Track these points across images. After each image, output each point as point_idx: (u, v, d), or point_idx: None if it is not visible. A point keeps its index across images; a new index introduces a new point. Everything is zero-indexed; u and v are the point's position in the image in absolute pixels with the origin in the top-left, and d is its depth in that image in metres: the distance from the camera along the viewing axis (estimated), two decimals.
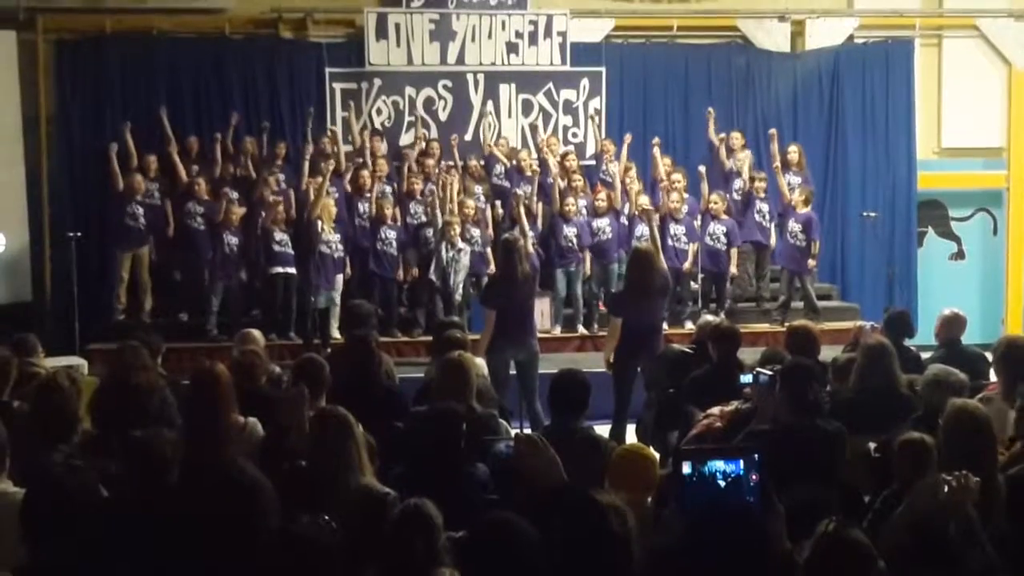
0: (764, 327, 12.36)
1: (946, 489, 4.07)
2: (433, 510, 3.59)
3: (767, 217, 12.96)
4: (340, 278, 11.96)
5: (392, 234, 12.26)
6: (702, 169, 13.10)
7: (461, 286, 11.88)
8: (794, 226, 12.57)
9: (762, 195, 12.96)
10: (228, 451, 5.09)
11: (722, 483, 3.52)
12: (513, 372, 8.98)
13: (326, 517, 3.10)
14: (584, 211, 12.68)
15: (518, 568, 3.27)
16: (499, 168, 13.55)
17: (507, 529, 3.30)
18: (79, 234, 12.47)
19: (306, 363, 6.05)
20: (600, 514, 3.34)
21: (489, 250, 12.24)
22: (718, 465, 3.53)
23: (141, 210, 12.42)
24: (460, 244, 11.77)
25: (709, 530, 3.49)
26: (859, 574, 3.38)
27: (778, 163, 12.97)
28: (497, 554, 3.30)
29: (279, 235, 11.96)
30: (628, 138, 13.50)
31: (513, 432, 5.84)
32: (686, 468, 3.52)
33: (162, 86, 13.83)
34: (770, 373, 5.63)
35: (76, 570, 3.49)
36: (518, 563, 3.27)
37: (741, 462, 3.55)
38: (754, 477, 3.55)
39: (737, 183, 13.38)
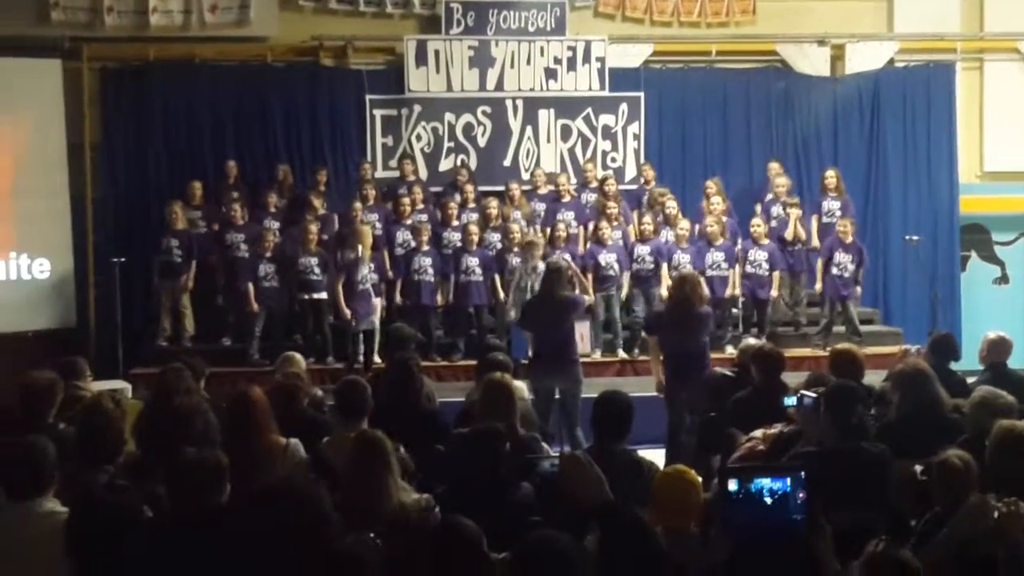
0: (805, 351, 12.26)
1: (996, 515, 4.02)
2: (470, 525, 3.57)
3: (799, 245, 12.87)
4: (379, 302, 11.99)
5: (428, 260, 12.29)
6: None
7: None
8: (843, 257, 12.46)
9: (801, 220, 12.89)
10: (264, 472, 5.14)
11: (768, 500, 3.48)
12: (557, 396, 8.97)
13: (371, 535, 3.09)
14: (621, 238, 12.62)
15: None
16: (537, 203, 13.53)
17: (552, 547, 3.27)
18: (123, 260, 12.61)
19: (348, 385, 6.06)
20: (646, 532, 3.31)
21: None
22: (765, 483, 3.50)
23: (175, 242, 12.51)
24: (541, 265, 11.67)
25: (755, 548, 3.45)
26: None
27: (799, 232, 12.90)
28: (542, 572, 3.28)
29: (307, 261, 12.01)
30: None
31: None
32: (732, 485, 3.49)
33: (205, 114, 14.05)
34: (814, 395, 5.58)
35: None
36: None
37: (788, 480, 3.51)
38: (801, 495, 3.52)
39: (774, 209, 13.30)
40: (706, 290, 9.26)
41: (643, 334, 10.55)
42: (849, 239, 12.56)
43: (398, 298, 12.39)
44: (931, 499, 4.86)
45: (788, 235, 12.79)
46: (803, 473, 3.54)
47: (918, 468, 5.51)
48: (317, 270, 12.02)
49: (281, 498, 3.52)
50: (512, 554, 3.45)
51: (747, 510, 3.48)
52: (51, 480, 4.42)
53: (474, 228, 12.43)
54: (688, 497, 4.54)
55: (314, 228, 12.21)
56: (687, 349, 8.71)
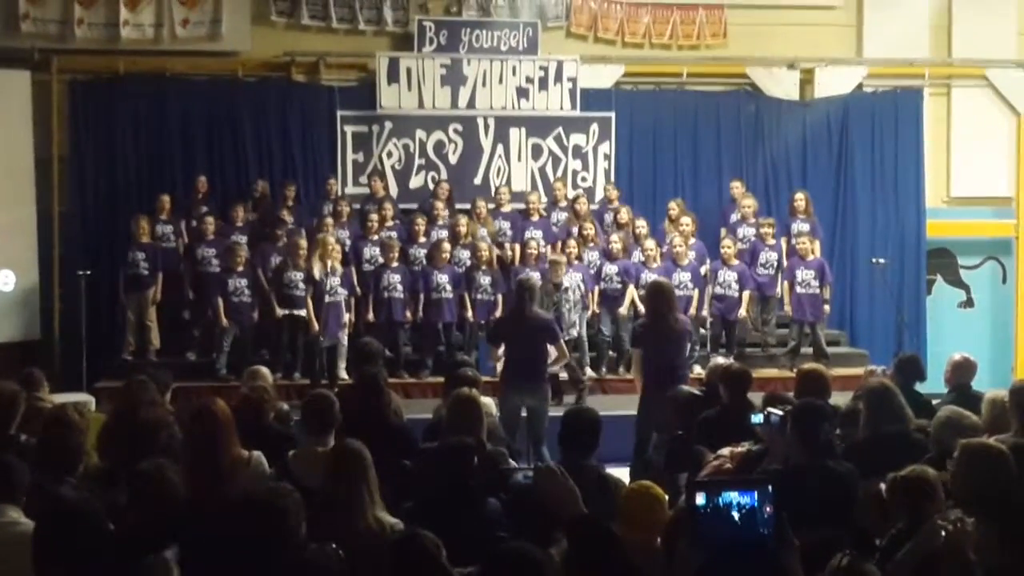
0: (772, 372, 12.32)
1: (943, 534, 4.04)
2: (429, 537, 3.55)
3: (772, 267, 12.94)
4: (346, 319, 11.95)
5: (397, 277, 12.27)
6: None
7: (577, 323, 11.77)
8: (805, 274, 12.56)
9: (771, 242, 12.97)
10: (227, 484, 5.10)
11: (736, 515, 3.47)
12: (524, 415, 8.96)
13: (333, 545, 3.07)
14: (596, 257, 12.65)
15: None
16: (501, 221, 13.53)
17: (524, 557, 3.27)
18: (88, 272, 12.53)
19: (316, 399, 6.03)
20: (617, 546, 3.30)
21: (500, 296, 12.26)
22: (733, 496, 3.48)
23: (142, 255, 12.45)
24: (565, 283, 11.68)
25: (723, 562, 3.44)
26: None
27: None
28: None
29: (292, 276, 11.96)
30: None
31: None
32: (700, 499, 3.47)
33: (175, 128, 13.98)
34: (781, 413, 5.59)
35: None
36: None
37: (755, 493, 3.50)
38: (768, 509, 3.50)
39: (741, 231, 13.37)
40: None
41: (630, 346, 10.46)
42: (810, 256, 12.66)
43: (370, 315, 12.32)
44: (894, 517, 4.88)
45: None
46: (770, 487, 3.53)
47: (883, 487, 5.54)
48: (302, 285, 11.94)
49: (248, 508, 3.50)
50: (483, 564, 3.43)
51: (715, 524, 3.47)
52: (21, 490, 4.38)
53: (446, 245, 12.42)
54: (653, 512, 4.55)
55: (302, 242, 12.13)
56: (671, 362, 8.65)
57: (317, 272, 11.65)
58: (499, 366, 9.36)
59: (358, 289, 12.33)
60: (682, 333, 8.87)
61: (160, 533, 4.01)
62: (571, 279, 12.07)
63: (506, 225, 13.41)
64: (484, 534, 4.54)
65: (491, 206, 13.61)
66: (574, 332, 11.67)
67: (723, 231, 13.53)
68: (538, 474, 3.94)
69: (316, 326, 11.61)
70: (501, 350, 9.38)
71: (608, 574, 3.33)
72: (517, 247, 13.07)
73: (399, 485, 5.29)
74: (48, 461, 5.05)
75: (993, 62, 15.06)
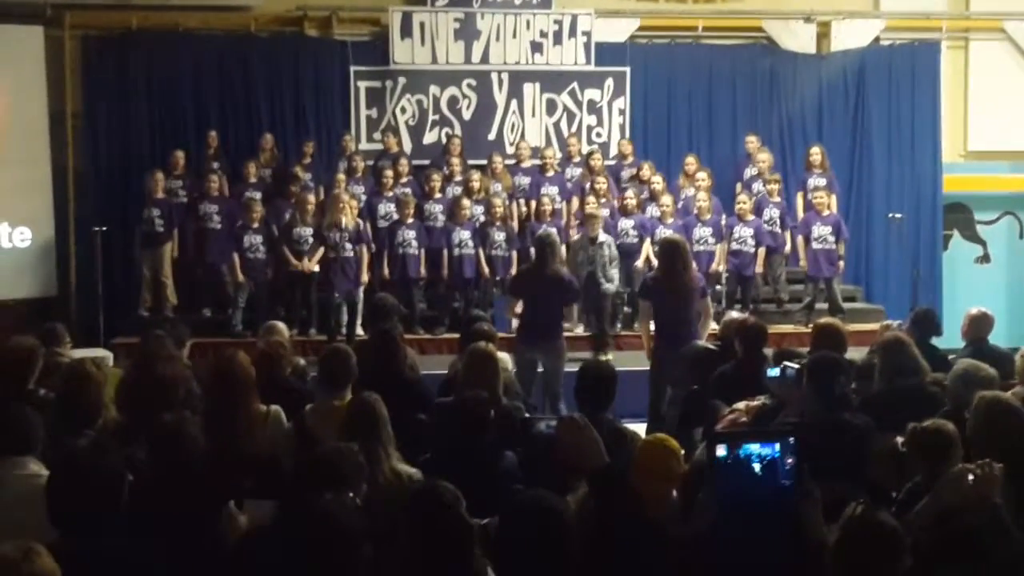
0: (787, 328, 12.28)
1: (970, 479, 4.03)
2: (448, 487, 3.57)
3: (777, 223, 12.85)
4: (362, 276, 11.97)
5: (412, 234, 12.26)
6: None
7: (616, 277, 11.74)
8: (821, 230, 12.50)
9: (776, 199, 12.90)
10: (246, 438, 5.14)
11: (757, 466, 3.47)
12: (540, 370, 8.96)
13: (351, 495, 3.08)
14: (608, 214, 12.60)
15: (553, 543, 3.25)
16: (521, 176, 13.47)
17: (542, 506, 3.28)
18: (104, 229, 12.54)
19: (333, 353, 6.04)
20: (637, 496, 3.31)
21: (514, 253, 12.27)
22: (753, 448, 3.48)
23: (156, 211, 12.44)
24: (602, 237, 11.64)
25: (743, 513, 3.44)
26: (888, 556, 3.34)
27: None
28: (532, 529, 3.28)
29: (302, 232, 11.95)
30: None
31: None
32: (721, 451, 3.47)
33: (188, 83, 13.95)
34: (797, 367, 5.59)
35: (101, 549, 3.48)
36: (553, 538, 3.25)
37: (777, 445, 3.50)
38: (790, 461, 3.50)
39: (756, 186, 13.31)
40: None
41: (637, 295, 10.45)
42: (827, 211, 12.60)
43: (385, 271, 12.32)
44: (911, 471, 4.88)
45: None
46: (792, 439, 3.53)
47: (899, 440, 5.54)
48: (311, 241, 11.94)
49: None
50: (501, 513, 3.44)
51: (735, 476, 3.47)
52: (36, 441, 4.41)
53: (465, 202, 12.37)
54: (669, 464, 4.56)
55: (311, 198, 12.12)
56: (681, 316, 8.58)
57: (332, 228, 11.63)
58: (515, 322, 9.36)
59: (373, 245, 12.33)
60: (694, 290, 8.85)
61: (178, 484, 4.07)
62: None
63: (526, 181, 13.35)
64: (499, 488, 4.57)
65: (511, 162, 13.55)
66: (612, 287, 11.66)
67: (739, 186, 13.46)
68: (561, 424, 3.95)
69: (310, 266, 11.64)
70: (519, 307, 9.39)
71: (627, 524, 3.34)
72: (533, 203, 13.02)
73: (414, 439, 5.31)
74: (67, 415, 5.08)
75: (1011, 15, 14.88)
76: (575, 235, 12.26)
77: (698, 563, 3.56)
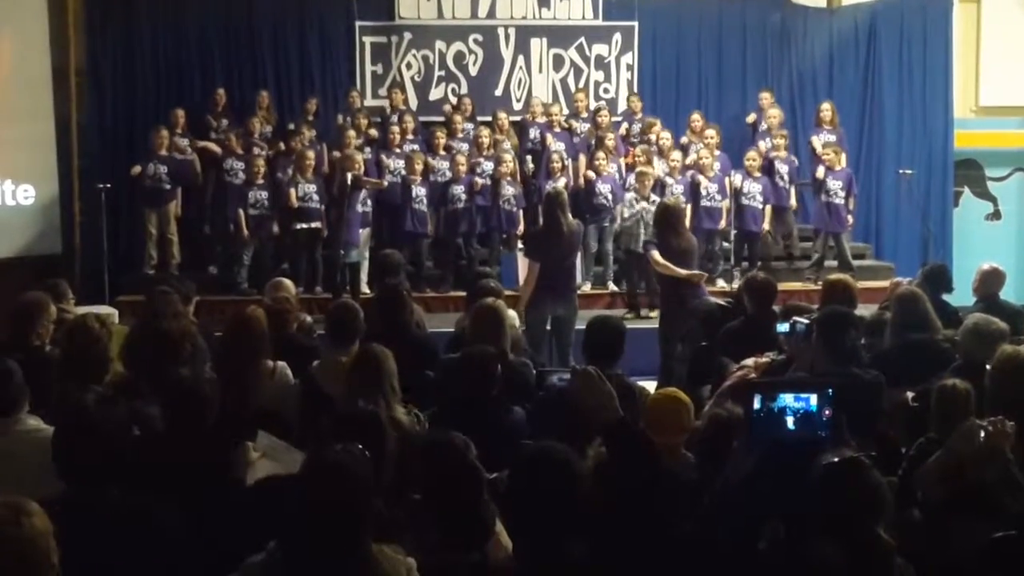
0: (796, 285, 12.24)
1: (983, 435, 4.01)
2: (458, 436, 3.56)
3: (785, 179, 12.76)
4: (367, 232, 11.91)
5: (423, 191, 12.18)
6: None
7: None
8: (833, 184, 12.41)
9: (783, 155, 12.79)
10: (253, 394, 5.14)
11: (792, 418, 3.44)
12: (548, 327, 8.93)
13: (359, 446, 3.06)
14: (615, 168, 12.53)
15: (563, 494, 3.24)
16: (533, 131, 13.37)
17: (553, 456, 3.28)
18: (108, 186, 12.46)
19: (340, 308, 6.03)
20: (652, 449, 3.30)
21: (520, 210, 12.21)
22: (788, 400, 3.45)
23: (164, 168, 12.37)
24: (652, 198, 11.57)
25: (777, 465, 3.42)
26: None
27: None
28: (541, 481, 3.27)
29: (304, 189, 11.88)
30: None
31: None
32: (756, 402, 3.44)
33: (192, 38, 13.83)
34: (807, 322, 5.54)
35: (107, 503, 3.46)
36: (563, 489, 3.24)
37: (813, 397, 3.46)
38: (827, 412, 3.47)
39: (764, 143, 13.19)
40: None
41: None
42: (838, 166, 12.50)
43: (389, 226, 12.27)
44: (922, 426, 4.85)
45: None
46: (830, 389, 3.49)
47: (910, 395, 5.51)
48: (316, 197, 11.88)
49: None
50: (512, 464, 3.43)
51: (769, 427, 3.44)
52: (23, 397, 4.38)
53: (461, 158, 12.30)
54: (680, 417, 4.57)
55: (311, 154, 12.06)
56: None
57: (343, 186, 11.57)
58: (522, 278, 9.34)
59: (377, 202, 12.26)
60: (689, 250, 8.86)
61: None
62: (600, 189, 12.08)
63: (536, 136, 13.24)
64: (507, 443, 4.54)
65: (515, 119, 13.45)
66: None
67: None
68: (575, 376, 3.91)
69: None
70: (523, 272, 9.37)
71: (644, 477, 3.33)
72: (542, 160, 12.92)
73: (421, 395, 5.29)
74: (72, 369, 5.05)
75: None
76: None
77: (723, 515, 3.56)
